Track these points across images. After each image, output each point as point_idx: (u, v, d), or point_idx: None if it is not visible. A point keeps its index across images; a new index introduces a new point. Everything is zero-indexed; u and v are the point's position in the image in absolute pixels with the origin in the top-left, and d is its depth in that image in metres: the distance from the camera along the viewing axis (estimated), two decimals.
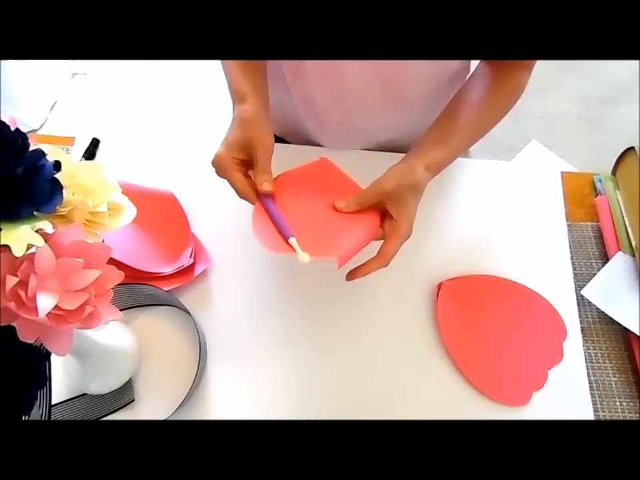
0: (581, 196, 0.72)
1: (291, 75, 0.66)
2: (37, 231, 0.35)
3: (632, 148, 0.69)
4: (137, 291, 0.61)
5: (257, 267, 0.66)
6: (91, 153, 0.74)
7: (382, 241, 0.52)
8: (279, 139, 0.82)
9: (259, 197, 0.51)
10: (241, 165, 0.51)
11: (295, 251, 0.47)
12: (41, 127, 1.75)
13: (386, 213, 0.52)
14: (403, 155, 0.56)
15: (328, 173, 0.57)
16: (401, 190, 0.51)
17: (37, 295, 0.35)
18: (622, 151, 0.71)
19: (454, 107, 0.59)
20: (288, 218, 0.50)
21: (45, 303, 0.35)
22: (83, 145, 0.74)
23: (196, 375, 0.57)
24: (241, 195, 0.51)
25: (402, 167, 0.53)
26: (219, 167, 0.50)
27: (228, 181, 0.51)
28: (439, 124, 0.58)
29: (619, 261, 0.64)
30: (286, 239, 0.48)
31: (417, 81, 0.65)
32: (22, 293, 0.35)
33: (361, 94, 0.65)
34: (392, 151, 0.75)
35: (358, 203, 0.52)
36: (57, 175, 0.37)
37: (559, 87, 1.79)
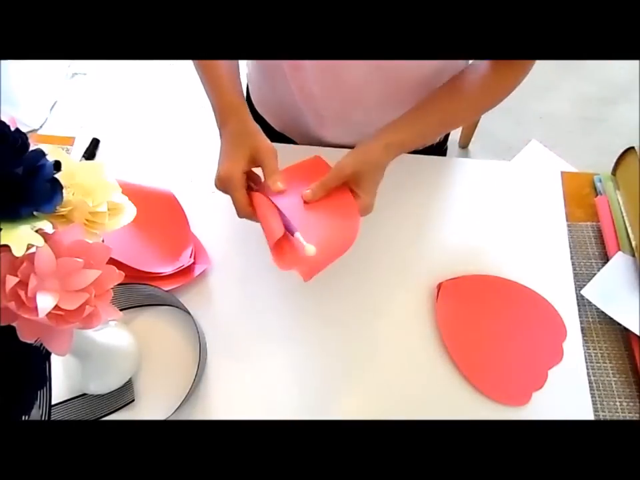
0: (580, 196, 0.72)
1: (289, 69, 0.66)
2: (36, 231, 0.35)
3: (632, 148, 0.69)
4: (137, 290, 0.61)
5: (257, 267, 0.66)
6: (91, 153, 0.74)
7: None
8: (279, 134, 0.82)
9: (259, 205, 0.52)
10: (246, 180, 0.54)
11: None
12: (40, 127, 1.75)
13: (349, 190, 0.56)
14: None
15: (320, 170, 0.57)
16: (361, 171, 0.54)
17: (37, 295, 0.35)
18: (622, 151, 0.71)
19: (434, 93, 0.61)
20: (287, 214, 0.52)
21: (45, 303, 0.35)
22: (83, 144, 0.74)
23: (196, 375, 0.57)
24: (242, 213, 0.53)
25: (362, 149, 0.55)
26: (229, 182, 0.52)
27: (233, 196, 0.53)
28: (413, 107, 0.60)
29: (619, 261, 0.64)
30: (292, 234, 0.51)
31: (416, 75, 0.65)
32: (22, 293, 0.35)
33: (359, 87, 0.65)
34: None
35: (323, 190, 0.54)
36: (57, 175, 0.37)
37: (558, 87, 1.79)
